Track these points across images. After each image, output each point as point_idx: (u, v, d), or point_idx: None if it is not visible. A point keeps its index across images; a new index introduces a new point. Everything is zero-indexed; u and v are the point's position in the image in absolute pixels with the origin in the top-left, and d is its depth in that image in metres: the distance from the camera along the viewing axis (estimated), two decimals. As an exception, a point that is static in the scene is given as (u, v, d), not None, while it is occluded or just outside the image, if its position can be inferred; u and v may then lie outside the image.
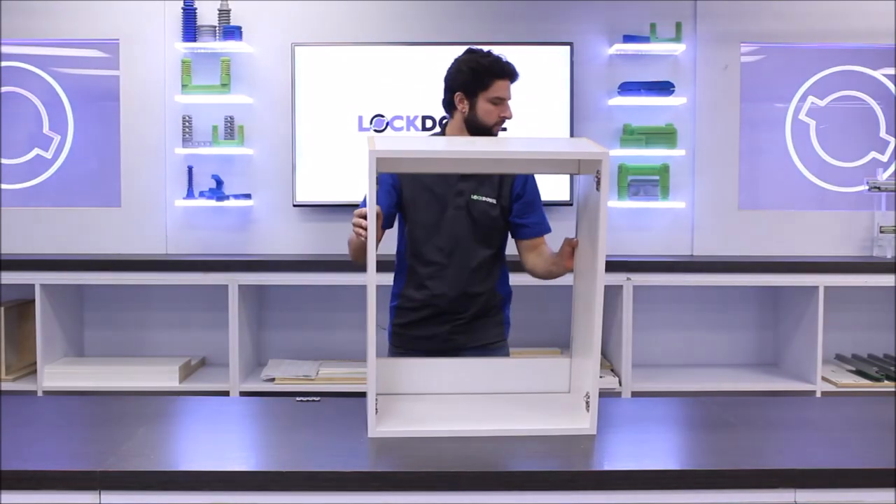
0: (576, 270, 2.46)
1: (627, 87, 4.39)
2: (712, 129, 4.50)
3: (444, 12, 4.45)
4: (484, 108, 2.78)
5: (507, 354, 2.96)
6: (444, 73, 2.87)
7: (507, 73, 2.79)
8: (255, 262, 4.14)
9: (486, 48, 2.86)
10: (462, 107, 2.80)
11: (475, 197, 2.81)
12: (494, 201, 2.82)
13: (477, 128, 2.81)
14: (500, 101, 2.79)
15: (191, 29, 4.34)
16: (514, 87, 2.85)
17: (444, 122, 2.96)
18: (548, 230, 2.88)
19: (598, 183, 2.21)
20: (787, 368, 4.38)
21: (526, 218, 2.86)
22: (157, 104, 4.44)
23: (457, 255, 2.82)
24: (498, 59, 2.80)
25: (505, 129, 2.99)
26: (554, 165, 2.47)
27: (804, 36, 4.52)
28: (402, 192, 2.83)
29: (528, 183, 2.86)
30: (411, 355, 2.86)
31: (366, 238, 2.30)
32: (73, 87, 4.58)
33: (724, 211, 4.52)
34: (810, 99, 4.63)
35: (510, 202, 2.85)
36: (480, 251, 2.83)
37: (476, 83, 2.77)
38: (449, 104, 2.85)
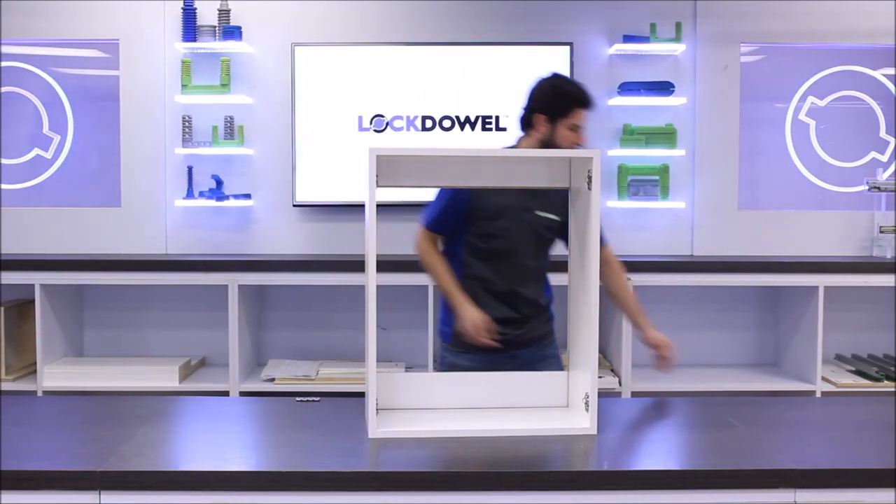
0: (570, 275, 2.46)
1: (627, 87, 4.39)
2: (712, 129, 4.50)
3: (444, 12, 4.45)
4: (562, 133, 2.87)
5: (556, 348, 3.09)
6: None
7: (590, 103, 2.90)
8: (255, 262, 4.14)
9: (565, 75, 2.99)
10: (542, 129, 2.89)
11: (540, 213, 2.92)
12: (558, 218, 2.90)
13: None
14: (577, 129, 2.88)
15: (191, 29, 4.34)
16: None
17: (520, 138, 3.01)
18: (606, 242, 2.98)
19: (590, 182, 2.22)
20: (787, 368, 4.37)
21: None
22: (157, 104, 4.44)
23: (517, 265, 2.93)
24: (583, 89, 2.91)
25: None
26: (547, 175, 2.46)
27: (804, 36, 4.52)
28: (472, 204, 2.88)
29: None
30: (470, 356, 2.92)
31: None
32: (73, 87, 4.58)
33: (724, 211, 4.52)
34: (810, 99, 4.63)
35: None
36: (536, 262, 2.96)
37: (559, 109, 2.87)
38: (527, 122, 2.95)
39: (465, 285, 2.93)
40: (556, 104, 2.87)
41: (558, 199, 2.86)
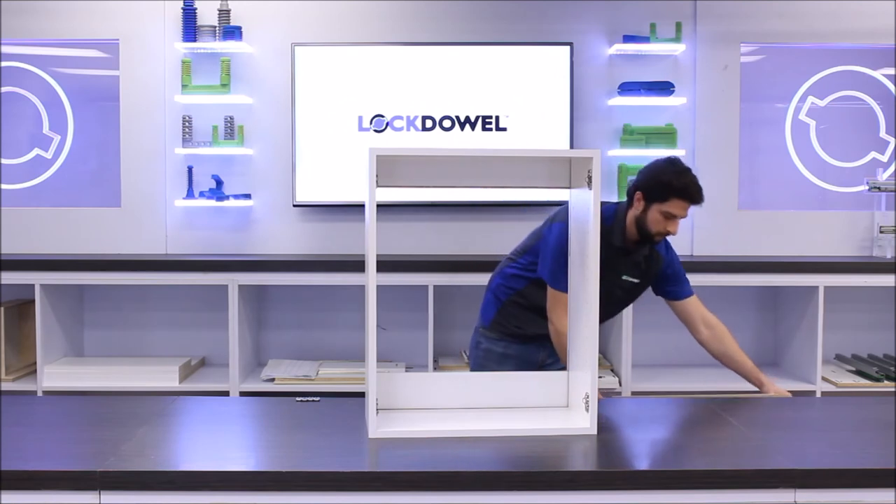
0: (570, 275, 2.46)
1: (627, 87, 4.39)
2: (712, 129, 4.50)
3: (445, 12, 4.45)
4: (654, 217, 2.90)
5: None
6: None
7: (691, 198, 2.89)
8: (255, 262, 4.14)
9: (680, 165, 2.97)
10: (637, 206, 2.94)
11: (625, 277, 3.00)
12: (638, 281, 3.03)
13: (641, 230, 2.95)
14: (671, 217, 2.90)
15: (191, 29, 4.34)
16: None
17: (626, 206, 3.01)
18: (690, 293, 3.12)
19: (590, 182, 2.22)
20: (787, 368, 4.37)
21: (671, 286, 3.10)
22: (157, 104, 4.44)
23: None
24: (689, 185, 2.88)
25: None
26: (546, 175, 2.46)
27: (804, 36, 4.52)
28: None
29: (673, 261, 3.09)
30: (505, 343, 3.10)
31: None
32: (73, 87, 4.58)
33: (724, 211, 4.52)
34: (810, 99, 4.63)
35: (657, 280, 3.07)
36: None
37: (657, 194, 2.89)
38: (630, 195, 2.98)
39: (510, 301, 3.07)
40: (656, 188, 2.89)
41: (644, 265, 3.02)
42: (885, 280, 4.09)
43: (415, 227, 4.47)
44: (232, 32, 4.33)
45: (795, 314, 4.28)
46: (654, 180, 2.90)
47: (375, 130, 4.39)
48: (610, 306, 3.01)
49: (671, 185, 2.88)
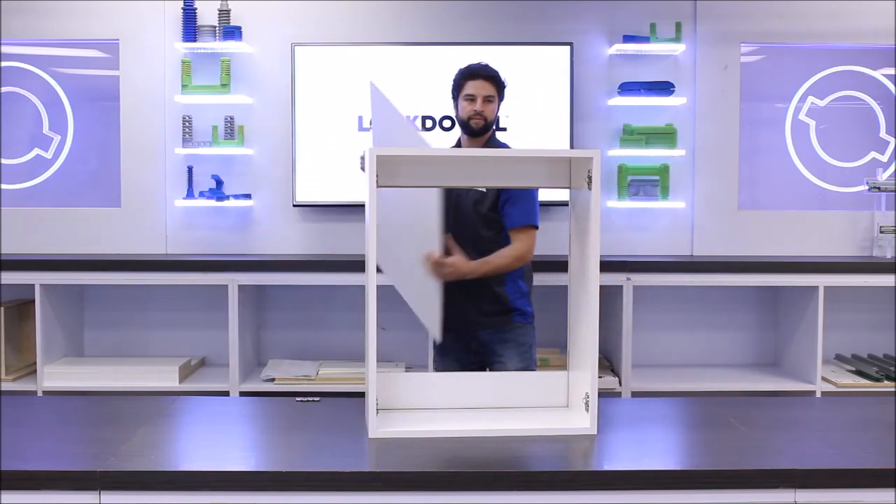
0: (570, 274, 2.46)
1: (627, 87, 4.39)
2: (712, 129, 4.50)
3: (444, 12, 4.45)
4: (461, 105, 3.23)
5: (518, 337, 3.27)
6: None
7: (471, 72, 3.20)
8: (254, 262, 4.14)
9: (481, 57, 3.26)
10: (455, 111, 3.28)
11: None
12: (484, 191, 3.20)
13: (462, 125, 3.25)
14: (472, 99, 3.19)
15: (191, 29, 4.34)
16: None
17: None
18: (513, 225, 3.16)
19: (590, 182, 2.22)
20: (787, 368, 4.38)
21: (507, 206, 3.20)
22: (157, 104, 4.44)
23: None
24: (471, 65, 3.24)
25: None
26: (546, 175, 2.46)
27: (804, 36, 4.52)
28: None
29: None
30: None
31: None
32: (73, 87, 4.58)
33: (724, 211, 4.52)
34: (810, 99, 4.63)
35: (500, 197, 3.20)
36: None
37: (455, 87, 3.25)
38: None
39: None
40: (453, 86, 3.24)
41: None
42: (885, 280, 4.09)
43: (415, 227, 4.46)
44: (232, 32, 4.33)
45: (795, 314, 4.28)
46: (452, 83, 3.25)
47: (375, 130, 4.39)
48: (462, 227, 3.15)
49: (458, 73, 3.24)
